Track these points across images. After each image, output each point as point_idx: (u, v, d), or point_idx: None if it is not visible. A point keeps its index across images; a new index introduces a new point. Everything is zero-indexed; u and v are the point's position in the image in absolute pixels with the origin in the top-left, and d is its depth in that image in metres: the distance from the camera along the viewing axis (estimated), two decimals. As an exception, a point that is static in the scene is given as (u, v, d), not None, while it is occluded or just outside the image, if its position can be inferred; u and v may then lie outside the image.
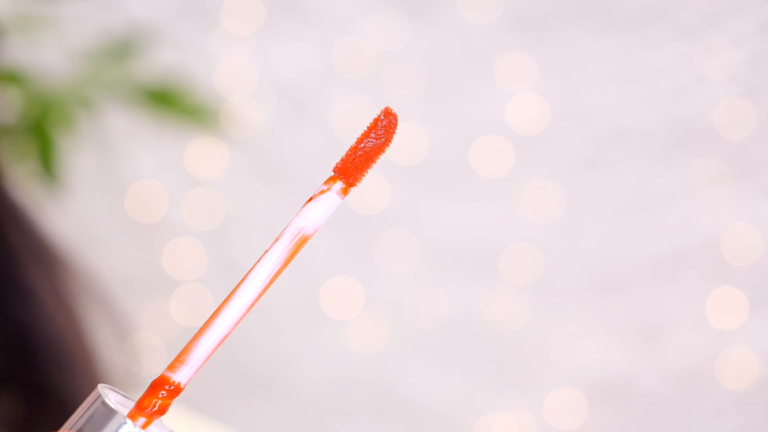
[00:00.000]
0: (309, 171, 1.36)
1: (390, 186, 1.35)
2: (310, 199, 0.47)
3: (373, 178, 1.35)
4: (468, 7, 1.33)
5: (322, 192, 0.47)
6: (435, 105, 1.34)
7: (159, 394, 0.45)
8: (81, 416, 0.46)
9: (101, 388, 0.46)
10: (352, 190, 0.47)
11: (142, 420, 0.45)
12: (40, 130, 1.13)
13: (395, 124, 0.47)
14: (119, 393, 0.47)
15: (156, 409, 0.45)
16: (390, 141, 0.47)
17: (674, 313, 1.32)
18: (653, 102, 1.31)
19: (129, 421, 0.45)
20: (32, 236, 0.79)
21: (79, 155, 1.30)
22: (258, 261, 0.47)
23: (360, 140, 0.47)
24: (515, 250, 1.35)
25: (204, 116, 1.17)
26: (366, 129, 0.47)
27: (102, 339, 0.82)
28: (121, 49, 1.18)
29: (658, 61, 1.30)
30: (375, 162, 0.47)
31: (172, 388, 0.45)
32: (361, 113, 1.35)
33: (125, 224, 1.38)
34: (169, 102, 1.16)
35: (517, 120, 1.34)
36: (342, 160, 0.47)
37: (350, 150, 0.47)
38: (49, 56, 1.26)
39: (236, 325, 0.46)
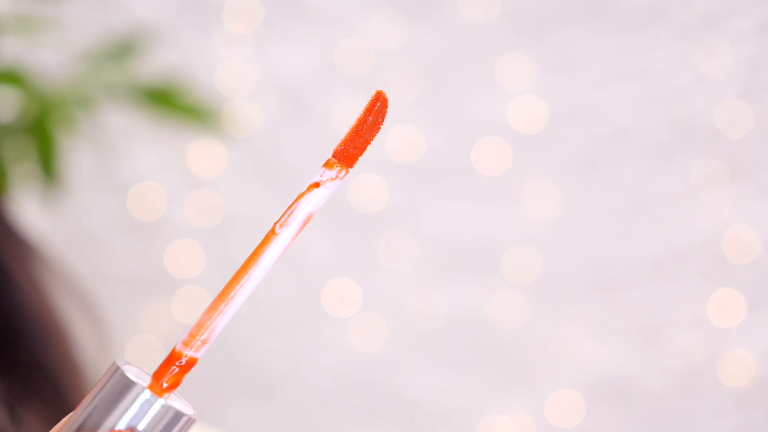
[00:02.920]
0: (309, 170, 1.36)
1: (390, 186, 1.35)
2: (316, 184, 0.49)
3: (373, 178, 1.35)
4: (468, 7, 1.33)
5: (324, 176, 0.49)
6: (435, 105, 1.34)
7: (172, 369, 0.48)
8: (100, 389, 0.47)
9: (118, 362, 0.48)
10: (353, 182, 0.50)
11: (158, 390, 0.48)
12: (40, 130, 1.13)
13: (386, 108, 0.49)
14: (134, 366, 0.49)
15: (169, 383, 0.47)
16: (382, 123, 0.49)
17: (674, 313, 1.32)
18: (653, 102, 1.31)
19: (147, 391, 0.47)
20: (10, 229, 0.84)
21: (79, 155, 1.30)
22: (266, 240, 0.49)
23: (356, 125, 0.49)
24: (515, 250, 1.35)
25: (204, 116, 1.17)
26: (361, 114, 0.49)
27: (76, 320, 0.88)
28: (121, 49, 1.18)
29: (658, 61, 1.30)
30: (369, 144, 0.49)
31: (183, 363, 0.48)
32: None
33: (126, 224, 1.38)
34: (169, 102, 1.16)
35: (517, 120, 1.34)
36: (341, 144, 0.49)
37: (348, 135, 0.49)
38: (49, 56, 1.26)
39: (243, 301, 0.49)
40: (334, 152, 0.49)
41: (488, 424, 1.35)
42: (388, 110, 0.49)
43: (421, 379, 1.36)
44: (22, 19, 1.16)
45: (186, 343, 0.48)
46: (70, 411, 0.82)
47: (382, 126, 0.49)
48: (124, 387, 0.47)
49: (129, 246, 1.38)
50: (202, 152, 1.37)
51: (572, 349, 1.34)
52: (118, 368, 0.47)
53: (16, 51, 1.20)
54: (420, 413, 1.36)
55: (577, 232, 1.33)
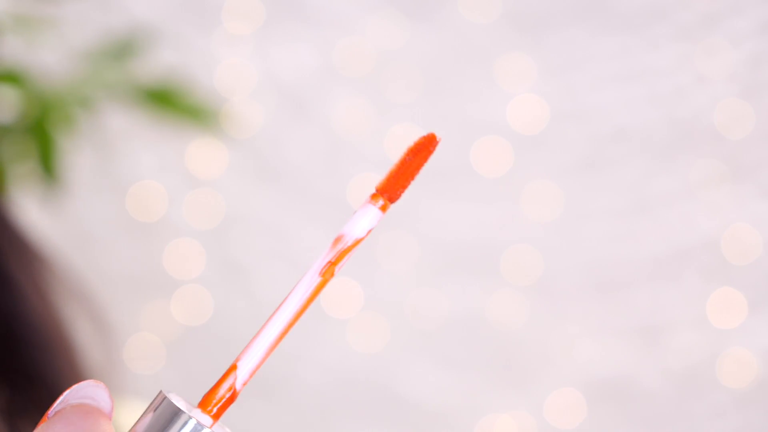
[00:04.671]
0: (309, 171, 1.36)
1: (390, 186, 1.35)
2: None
3: (372, 178, 1.35)
4: (468, 7, 1.33)
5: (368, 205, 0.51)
6: (435, 105, 1.34)
7: (216, 398, 0.49)
8: (147, 417, 0.48)
9: (165, 393, 0.48)
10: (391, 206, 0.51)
11: (207, 419, 0.48)
12: (40, 130, 1.13)
13: (436, 144, 0.51)
14: (180, 398, 0.50)
15: (214, 412, 0.48)
16: (428, 159, 0.51)
17: (674, 313, 1.32)
18: (653, 102, 1.31)
19: (194, 420, 0.48)
20: (13, 233, 0.84)
21: (79, 155, 1.30)
22: (305, 275, 0.51)
23: (403, 160, 0.51)
24: (515, 250, 1.35)
25: (204, 116, 1.17)
26: (408, 149, 0.50)
27: (80, 327, 0.87)
28: (121, 49, 1.18)
29: (658, 61, 1.30)
30: (413, 179, 0.52)
31: (230, 394, 0.49)
32: (360, 113, 1.35)
33: (125, 224, 1.38)
34: (169, 102, 1.16)
35: (517, 120, 1.34)
36: (385, 178, 0.52)
37: (392, 169, 0.51)
38: (49, 56, 1.26)
39: (283, 334, 0.51)
40: (376, 186, 0.50)
41: (488, 424, 1.35)
42: (434, 150, 0.50)
43: (421, 378, 1.36)
44: (22, 19, 1.16)
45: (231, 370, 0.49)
46: None
47: (424, 165, 0.50)
48: (172, 415, 0.47)
49: (129, 246, 1.38)
50: (202, 152, 1.37)
51: (572, 349, 1.34)
52: (165, 398, 0.48)
53: (16, 51, 1.20)
54: (420, 413, 1.36)
55: (577, 232, 1.33)
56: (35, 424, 0.79)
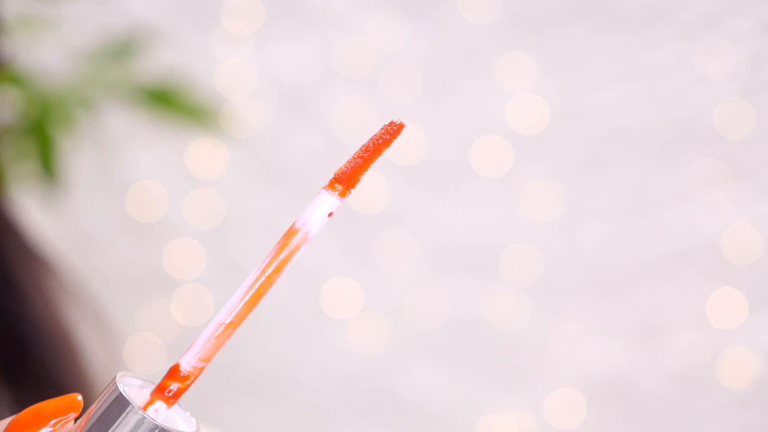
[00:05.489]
0: (309, 171, 1.36)
1: (390, 186, 1.35)
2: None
3: (372, 178, 1.35)
4: (468, 6, 1.33)
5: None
6: (435, 105, 1.34)
7: (173, 382, 0.49)
8: (99, 404, 0.48)
9: (119, 376, 0.48)
10: (351, 191, 0.50)
11: (160, 403, 0.48)
12: (40, 130, 1.13)
13: (398, 133, 0.51)
14: (139, 378, 0.49)
15: (171, 394, 0.48)
16: (387, 147, 0.50)
17: (674, 313, 1.32)
18: (653, 102, 1.31)
19: (141, 411, 0.47)
20: (16, 236, 0.85)
21: (79, 155, 1.30)
22: (263, 261, 0.51)
23: (364, 148, 0.50)
24: (515, 250, 1.35)
25: (204, 116, 1.17)
26: (372, 137, 0.50)
27: (82, 328, 0.88)
28: (121, 49, 1.18)
29: (658, 61, 1.30)
30: (370, 166, 0.50)
31: (185, 374, 0.49)
32: (360, 113, 1.35)
33: (125, 224, 1.38)
34: (169, 102, 1.16)
35: (517, 120, 1.34)
36: (344, 165, 0.50)
37: (353, 156, 0.50)
38: (49, 56, 1.26)
39: (233, 319, 0.49)
40: (334, 173, 0.50)
41: (488, 424, 1.35)
42: (398, 136, 0.50)
43: (421, 379, 1.36)
44: (22, 19, 1.16)
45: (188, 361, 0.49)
46: None
47: (385, 150, 0.49)
48: (120, 406, 0.47)
49: (129, 246, 1.38)
50: (202, 152, 1.37)
51: (572, 349, 1.34)
52: (115, 385, 0.48)
53: (16, 51, 1.20)
54: (420, 413, 1.36)
55: (577, 232, 1.33)
56: None
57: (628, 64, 1.31)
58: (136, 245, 1.38)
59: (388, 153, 0.50)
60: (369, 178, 1.37)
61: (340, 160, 1.35)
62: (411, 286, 1.36)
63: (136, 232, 1.38)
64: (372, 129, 1.35)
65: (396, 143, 0.50)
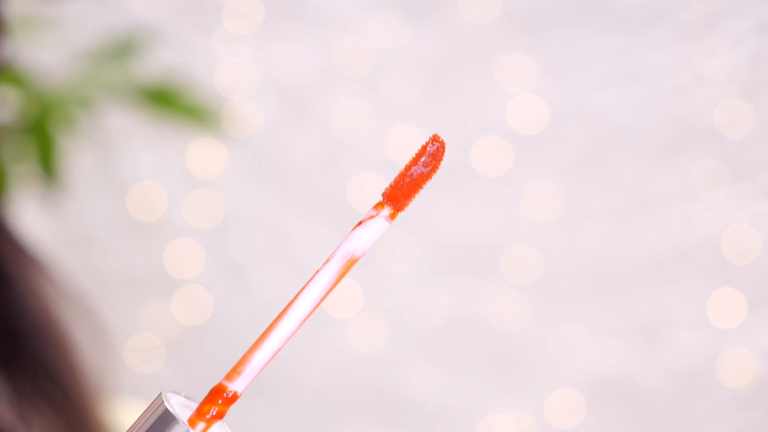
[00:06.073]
0: (309, 171, 1.36)
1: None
2: (360, 223, 0.51)
3: (372, 177, 1.35)
4: (468, 6, 1.33)
5: (371, 217, 0.51)
6: (435, 105, 1.34)
7: (217, 402, 0.49)
8: (144, 422, 0.48)
9: (164, 394, 0.48)
10: (399, 214, 0.50)
11: (201, 425, 0.48)
12: (40, 130, 1.13)
13: (443, 152, 0.50)
14: (181, 395, 0.50)
15: (214, 414, 0.49)
16: (437, 167, 0.50)
17: (674, 313, 1.32)
18: (653, 102, 1.31)
19: (189, 428, 0.48)
20: (10, 237, 0.87)
21: (79, 155, 1.30)
22: (309, 281, 0.51)
23: (408, 167, 0.50)
24: (515, 250, 1.35)
25: (204, 116, 1.17)
26: (414, 155, 0.50)
27: (77, 330, 0.91)
28: (121, 49, 1.18)
29: (658, 61, 1.30)
30: (422, 188, 0.50)
31: (229, 396, 0.49)
32: (360, 113, 1.35)
33: (125, 224, 1.38)
34: (169, 102, 1.16)
35: (517, 120, 1.34)
36: (391, 186, 0.50)
37: (399, 176, 0.50)
38: (49, 56, 1.26)
39: (288, 340, 0.51)
40: (382, 194, 0.50)
41: (488, 424, 1.35)
42: (445, 154, 0.50)
43: (421, 379, 1.36)
44: (22, 19, 1.16)
45: (229, 378, 0.50)
46: (75, 411, 0.86)
47: (436, 172, 0.49)
48: (165, 421, 0.48)
49: (129, 246, 1.38)
50: (202, 152, 1.37)
51: (572, 349, 1.34)
52: (161, 402, 0.48)
53: (16, 51, 1.20)
54: (420, 413, 1.36)
55: (577, 232, 1.33)
56: (41, 412, 0.83)
57: (628, 64, 1.31)
58: (136, 245, 1.38)
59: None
60: (369, 177, 1.37)
61: (340, 160, 1.35)
62: (411, 286, 1.36)
63: (136, 232, 1.38)
64: (372, 129, 1.35)
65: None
